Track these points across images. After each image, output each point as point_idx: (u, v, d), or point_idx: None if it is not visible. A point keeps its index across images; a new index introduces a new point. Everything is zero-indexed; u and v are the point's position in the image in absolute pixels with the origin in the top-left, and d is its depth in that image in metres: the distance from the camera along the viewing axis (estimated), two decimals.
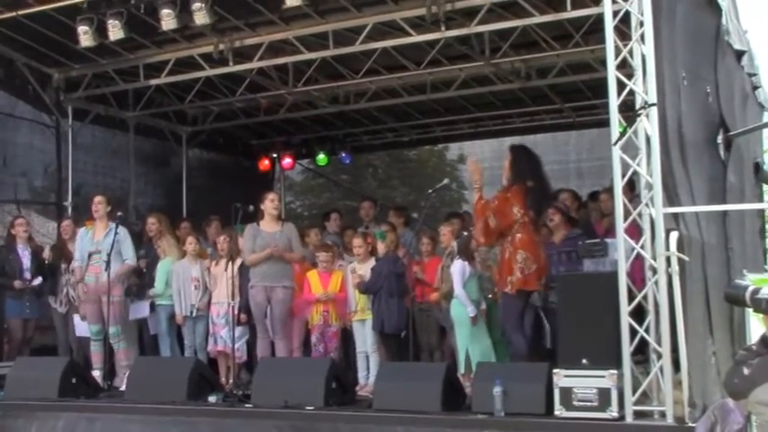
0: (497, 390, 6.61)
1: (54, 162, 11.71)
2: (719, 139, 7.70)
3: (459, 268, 8.24)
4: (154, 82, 11.39)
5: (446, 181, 9.52)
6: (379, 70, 11.44)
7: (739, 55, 8.93)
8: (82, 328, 9.55)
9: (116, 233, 9.05)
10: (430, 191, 8.77)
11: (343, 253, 9.80)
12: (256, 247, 8.73)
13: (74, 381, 8.43)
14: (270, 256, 8.66)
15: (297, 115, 13.47)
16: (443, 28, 9.47)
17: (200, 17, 8.99)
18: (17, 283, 9.73)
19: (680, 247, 6.25)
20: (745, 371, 4.37)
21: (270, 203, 8.82)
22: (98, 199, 9.42)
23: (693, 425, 5.94)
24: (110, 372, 9.36)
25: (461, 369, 8.05)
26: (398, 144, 15.66)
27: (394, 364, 8.17)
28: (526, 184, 7.67)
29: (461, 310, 8.17)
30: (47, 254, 10.08)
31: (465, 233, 8.43)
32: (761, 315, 4.62)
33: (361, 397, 8.09)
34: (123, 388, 8.52)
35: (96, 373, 9.09)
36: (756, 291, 4.49)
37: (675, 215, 6.44)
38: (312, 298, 8.90)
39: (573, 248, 7.98)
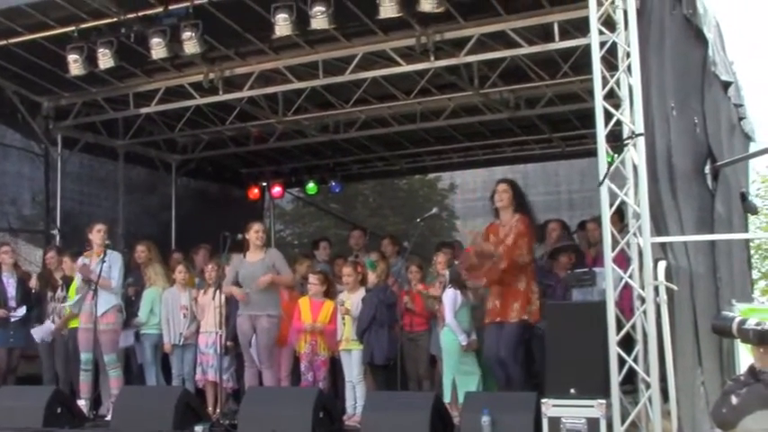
0: (485, 419, 6.57)
1: (42, 190, 11.67)
2: (707, 169, 7.74)
3: (450, 297, 8.24)
4: (144, 110, 11.40)
5: (435, 210, 9.52)
6: (368, 99, 11.48)
7: (726, 86, 9.00)
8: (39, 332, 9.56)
9: (103, 261, 9.00)
10: (418, 219, 8.77)
11: (334, 282, 9.76)
12: (240, 278, 8.70)
13: (59, 410, 8.32)
14: (241, 297, 8.63)
15: (287, 144, 13.49)
16: (432, 58, 9.52)
17: (191, 46, 9.02)
18: (1, 312, 9.67)
19: (668, 277, 6.25)
20: (734, 400, 4.36)
21: (254, 234, 8.78)
22: (99, 227, 9.35)
23: None
24: (95, 401, 9.27)
25: (447, 398, 8.01)
26: (389, 173, 15.69)
27: (382, 393, 8.13)
28: (527, 215, 7.78)
29: (451, 338, 8.16)
30: (33, 283, 10.03)
31: (456, 262, 8.42)
32: (749, 345, 4.61)
33: (348, 427, 8.04)
34: (109, 417, 8.44)
35: (82, 403, 8.99)
36: (743, 322, 4.49)
37: (664, 245, 6.45)
38: (301, 326, 8.86)
39: None
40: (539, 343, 7.80)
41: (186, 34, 8.90)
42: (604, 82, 6.68)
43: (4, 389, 8.96)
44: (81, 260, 9.27)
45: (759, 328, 4.40)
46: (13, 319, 9.70)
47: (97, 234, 9.25)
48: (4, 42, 9.55)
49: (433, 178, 16.72)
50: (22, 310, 9.76)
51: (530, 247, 7.72)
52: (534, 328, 7.84)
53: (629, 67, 6.59)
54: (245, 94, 10.75)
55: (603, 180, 6.50)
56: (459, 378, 8.13)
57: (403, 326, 8.58)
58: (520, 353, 7.63)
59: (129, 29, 9.18)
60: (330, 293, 9.10)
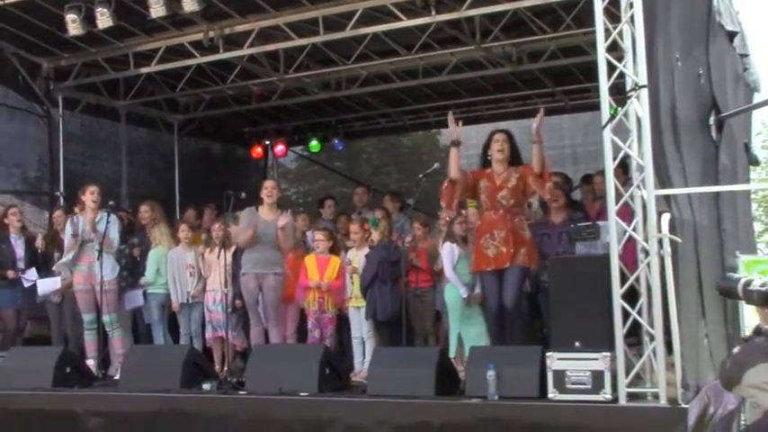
0: (491, 374, 6.60)
1: (46, 152, 11.67)
2: (711, 120, 7.69)
3: (447, 250, 8.26)
4: (144, 70, 11.36)
5: (437, 165, 9.48)
6: (370, 56, 11.41)
7: (731, 36, 8.90)
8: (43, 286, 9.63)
9: (108, 221, 9.03)
10: (421, 175, 8.75)
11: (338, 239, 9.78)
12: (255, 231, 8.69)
13: (68, 370, 8.39)
14: (256, 238, 8.62)
15: (289, 102, 13.45)
16: (433, 12, 9.46)
17: (189, 4, 8.96)
18: (10, 273, 9.72)
19: (672, 229, 6.24)
20: (736, 355, 4.37)
21: (264, 191, 8.78)
22: (92, 188, 9.37)
23: (686, 406, 5.96)
24: (104, 361, 9.36)
25: (452, 352, 8.06)
26: (391, 130, 15.65)
27: (387, 349, 8.17)
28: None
29: (453, 293, 8.20)
30: (39, 243, 10.06)
31: (448, 217, 8.43)
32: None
33: (355, 383, 8.09)
34: (117, 377, 8.52)
35: (90, 363, 9.08)
36: (748, 283, 4.47)
37: (667, 197, 6.43)
38: (308, 284, 8.88)
39: None
40: (545, 296, 7.83)
41: None
42: (607, 34, 6.60)
43: (12, 350, 9.01)
44: (77, 219, 9.24)
45: (764, 289, 4.39)
46: (26, 284, 9.73)
47: (90, 196, 9.25)
48: (1, 3, 9.47)
49: (435, 134, 16.65)
50: (33, 274, 9.78)
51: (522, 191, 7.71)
52: (541, 280, 7.84)
53: (632, 18, 6.50)
54: (246, 51, 10.70)
55: (606, 125, 6.46)
56: (465, 332, 8.16)
57: (408, 282, 8.60)
58: (523, 301, 7.65)
59: None
60: (335, 250, 9.13)
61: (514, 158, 7.78)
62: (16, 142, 11.31)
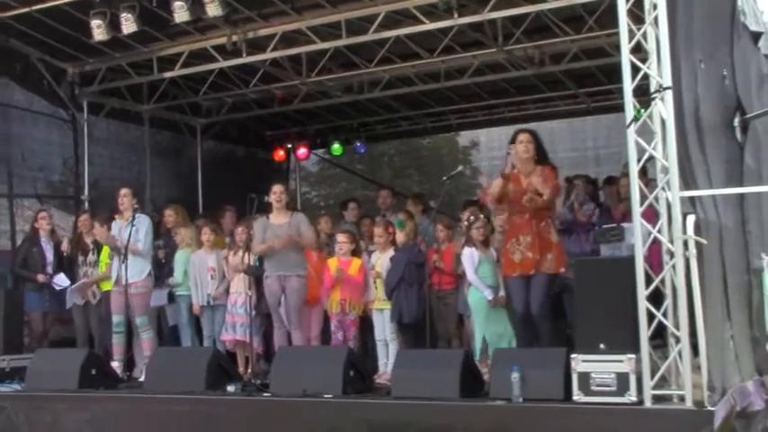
0: (515, 376, 6.59)
1: (71, 156, 11.76)
2: (736, 121, 7.64)
3: (467, 255, 8.27)
4: (168, 74, 11.45)
5: (461, 168, 9.52)
6: (392, 59, 11.43)
7: (756, 36, 8.85)
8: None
9: (132, 224, 9.11)
10: (444, 178, 8.74)
11: (361, 242, 9.80)
12: (266, 239, 8.74)
13: (93, 372, 8.46)
14: (273, 249, 8.65)
15: (311, 105, 13.49)
16: (456, 15, 9.45)
17: (213, 9, 9.01)
18: (41, 277, 9.84)
19: (697, 231, 6.21)
20: None
21: (273, 196, 8.79)
22: (124, 191, 9.48)
23: (713, 408, 5.93)
24: (128, 363, 9.42)
25: (477, 355, 8.05)
26: (413, 133, 15.67)
27: (412, 351, 8.17)
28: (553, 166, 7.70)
29: (478, 295, 8.20)
30: (65, 246, 10.15)
31: (471, 218, 8.43)
32: None
33: (379, 384, 8.10)
34: (142, 378, 8.58)
35: (115, 365, 9.15)
36: None
37: (692, 198, 6.40)
38: (330, 282, 8.91)
39: None
40: (570, 295, 7.79)
41: None
42: (631, 35, 6.58)
43: (39, 351, 9.10)
44: (114, 225, 9.36)
45: None
46: (57, 288, 9.84)
47: (124, 198, 9.36)
48: (27, 9, 9.57)
49: (454, 135, 16.67)
50: (63, 279, 9.88)
51: (555, 188, 7.67)
52: (566, 279, 7.80)
53: (655, 20, 6.48)
54: (269, 55, 10.75)
55: (631, 124, 6.43)
56: (490, 336, 8.14)
57: (432, 284, 8.60)
58: (552, 307, 7.60)
59: None
60: (357, 252, 9.15)
61: (541, 158, 7.71)
62: (41, 147, 11.40)
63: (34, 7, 9.54)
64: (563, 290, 8.28)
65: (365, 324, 9.14)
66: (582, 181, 9.96)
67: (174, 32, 10.55)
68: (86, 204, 11.51)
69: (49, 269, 9.93)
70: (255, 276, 8.94)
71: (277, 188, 8.93)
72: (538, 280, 7.46)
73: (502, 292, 8.21)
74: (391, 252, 8.86)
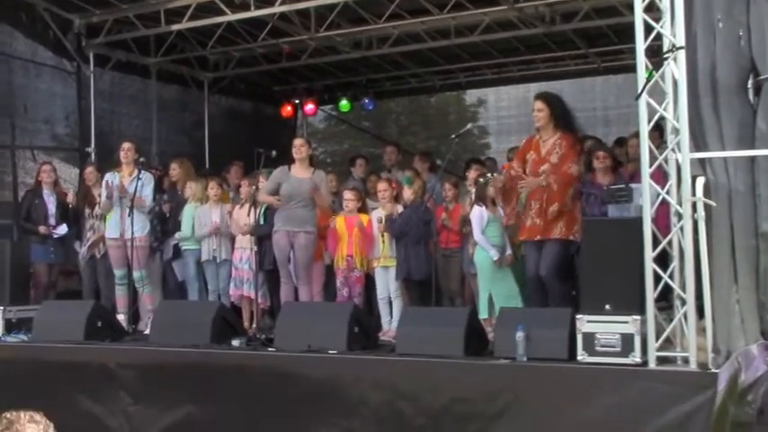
0: (520, 335, 6.59)
1: (75, 109, 11.70)
2: (750, 83, 7.54)
3: (477, 214, 8.23)
4: (175, 27, 11.35)
5: (470, 125, 9.42)
6: (402, 15, 11.32)
7: None
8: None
9: (138, 178, 9.09)
10: (453, 136, 8.67)
11: (366, 198, 9.77)
12: (282, 191, 8.70)
13: (99, 324, 8.50)
14: (278, 204, 8.66)
15: (319, 61, 13.40)
16: None
17: None
18: (42, 229, 9.84)
19: (706, 193, 6.17)
20: None
21: (294, 149, 8.78)
22: (127, 145, 9.45)
23: (717, 371, 5.93)
24: (134, 316, 9.46)
25: (483, 314, 8.06)
26: (421, 90, 15.59)
27: (416, 309, 8.18)
28: (573, 131, 7.61)
29: (484, 254, 8.17)
30: (71, 199, 10.15)
31: (481, 179, 8.38)
32: None
33: (383, 342, 8.11)
34: (147, 331, 8.61)
35: (121, 317, 9.19)
36: None
37: (702, 161, 6.35)
38: (335, 238, 8.91)
39: None
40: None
41: None
42: None
43: (45, 303, 9.14)
44: (108, 176, 9.35)
45: None
46: (55, 236, 9.86)
47: (128, 152, 9.32)
48: None
49: (461, 94, 16.57)
50: (63, 228, 9.93)
51: (575, 164, 7.57)
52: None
53: None
54: (277, 9, 10.63)
55: (641, 94, 6.37)
56: (496, 294, 8.13)
57: (438, 242, 8.60)
58: (562, 271, 7.55)
59: None
60: (364, 209, 9.13)
61: (559, 122, 7.62)
62: (45, 98, 11.34)
63: None
64: (576, 252, 8.24)
65: (370, 281, 9.14)
66: (593, 143, 9.87)
67: None
68: (93, 157, 11.48)
69: (52, 221, 9.93)
70: (263, 235, 8.93)
71: (298, 141, 8.94)
72: (548, 246, 7.48)
73: (509, 251, 8.19)
74: (396, 208, 8.82)
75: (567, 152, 7.52)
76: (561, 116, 7.64)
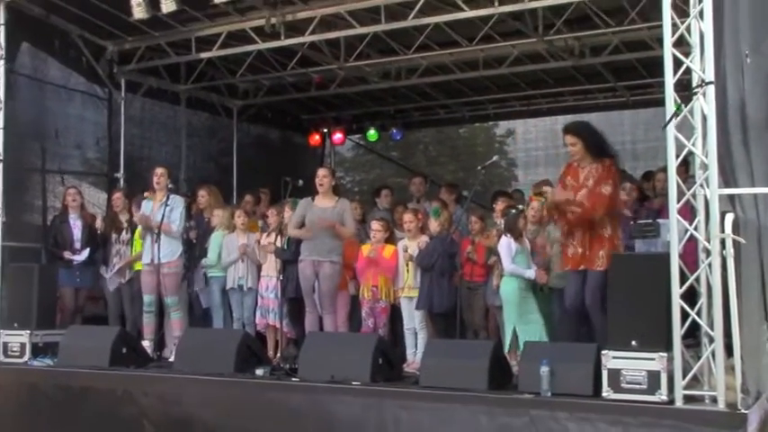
0: (544, 369, 6.55)
1: (106, 134, 11.81)
2: None
3: (505, 244, 8.18)
4: (205, 55, 11.44)
5: (496, 158, 9.42)
6: (431, 46, 11.34)
7: None
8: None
9: (166, 204, 9.15)
10: (479, 167, 8.68)
11: (394, 229, 9.76)
12: (306, 222, 8.71)
13: (124, 350, 8.56)
14: (308, 234, 8.65)
15: (348, 90, 13.44)
16: (496, 3, 9.34)
17: None
18: (66, 254, 9.91)
19: (735, 230, 6.11)
20: None
21: (316, 180, 8.79)
22: (160, 171, 9.50)
23: (746, 412, 5.84)
24: (159, 342, 9.48)
25: (507, 347, 8.00)
26: (449, 121, 15.59)
27: (441, 341, 8.15)
28: (611, 158, 7.52)
29: (511, 287, 8.10)
30: (99, 224, 10.22)
31: (513, 210, 8.35)
32: None
33: (407, 373, 8.07)
34: (172, 358, 8.62)
35: (146, 344, 9.22)
36: None
37: (732, 197, 6.30)
38: (361, 267, 8.91)
39: None
40: None
41: None
42: (674, 29, 6.49)
43: (71, 328, 9.21)
44: (144, 204, 9.40)
45: None
46: (75, 262, 9.92)
47: (161, 178, 9.38)
48: None
49: (491, 126, 16.58)
50: (85, 253, 9.97)
51: (614, 190, 7.43)
52: None
53: (700, 13, 6.38)
54: (307, 39, 10.69)
55: (668, 123, 6.34)
56: (521, 328, 8.06)
57: (463, 275, 8.57)
58: (605, 303, 7.42)
59: None
60: (391, 240, 9.12)
61: (594, 149, 7.52)
62: (76, 124, 11.44)
63: None
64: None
65: (395, 312, 9.11)
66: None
67: (213, 13, 10.53)
68: (122, 182, 11.57)
69: (77, 245, 9.98)
70: (283, 260, 8.94)
71: (320, 171, 8.94)
72: (592, 277, 7.32)
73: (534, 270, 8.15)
74: (421, 239, 8.80)
75: (601, 175, 7.42)
76: (593, 145, 7.54)
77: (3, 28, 9.57)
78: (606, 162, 7.45)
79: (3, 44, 9.55)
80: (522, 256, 8.18)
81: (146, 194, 9.53)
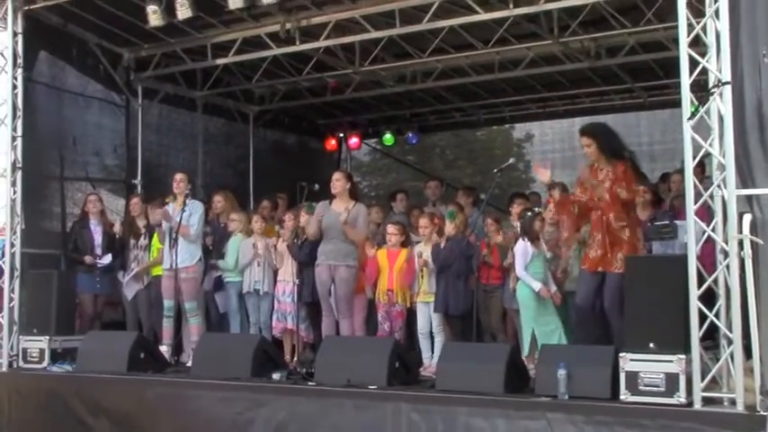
0: (562, 372, 6.52)
1: (123, 141, 11.87)
2: None
3: (521, 248, 8.15)
4: (221, 61, 11.47)
5: (512, 160, 9.41)
6: (446, 49, 11.33)
7: None
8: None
9: (183, 210, 9.18)
10: (495, 170, 8.66)
11: (410, 233, 9.76)
12: (323, 225, 8.72)
13: (142, 355, 8.60)
14: (325, 231, 8.66)
15: (363, 95, 13.45)
16: (511, 5, 9.33)
17: None
18: (87, 259, 9.96)
19: (753, 230, 6.07)
20: None
21: (331, 183, 8.81)
22: (179, 176, 9.55)
23: (765, 414, 5.79)
24: (177, 347, 9.51)
25: (525, 351, 7.97)
26: (466, 124, 15.57)
27: (457, 344, 8.13)
28: (626, 158, 7.50)
29: (527, 290, 8.07)
30: (117, 229, 10.28)
31: (529, 213, 8.32)
32: None
33: (423, 377, 8.07)
34: (190, 363, 8.65)
35: (164, 349, 9.24)
36: None
37: (749, 197, 6.24)
38: (377, 271, 8.91)
39: None
40: None
41: None
42: (690, 29, 6.45)
43: (90, 334, 9.27)
44: (168, 209, 9.46)
45: None
46: (99, 266, 9.99)
47: (180, 183, 9.43)
48: None
49: (508, 128, 16.54)
50: (108, 258, 10.05)
51: (631, 190, 7.41)
52: None
53: (716, 13, 6.34)
54: (322, 44, 10.71)
55: (691, 118, 6.29)
56: (539, 330, 8.02)
57: (479, 278, 8.55)
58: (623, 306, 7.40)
59: None
60: (406, 244, 9.11)
61: (608, 151, 7.52)
62: (94, 131, 11.50)
63: None
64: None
65: (412, 316, 9.10)
66: None
67: (228, 19, 10.57)
68: (139, 188, 11.62)
69: (98, 251, 10.05)
70: (300, 261, 8.94)
71: (335, 175, 8.96)
72: (610, 280, 7.32)
73: (554, 288, 8.10)
74: (437, 240, 8.78)
75: (616, 178, 7.42)
76: (608, 146, 7.54)
77: (21, 37, 9.64)
78: (621, 166, 7.44)
79: (20, 53, 9.61)
80: (539, 260, 8.14)
81: (167, 200, 9.56)
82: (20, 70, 9.61)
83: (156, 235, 9.77)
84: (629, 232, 7.38)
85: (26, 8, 9.71)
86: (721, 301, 6.23)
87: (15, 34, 9.60)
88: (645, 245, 7.67)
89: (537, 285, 8.02)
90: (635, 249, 7.37)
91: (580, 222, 7.83)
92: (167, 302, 9.37)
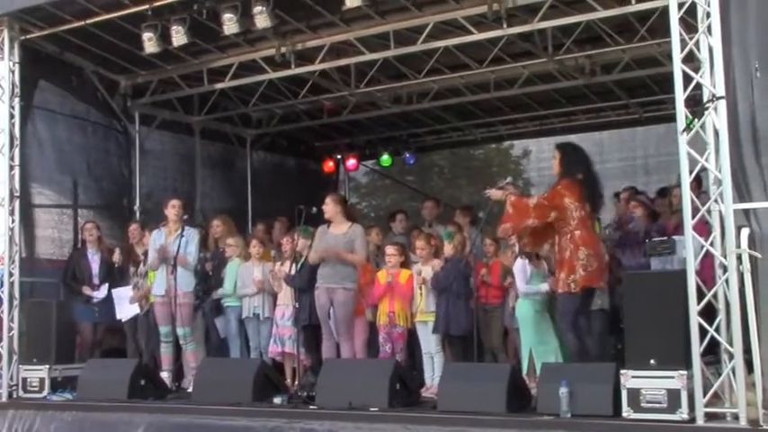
0: (563, 391, 6.50)
1: (122, 167, 11.89)
2: None
3: (520, 267, 8.16)
4: (218, 86, 11.53)
5: (509, 179, 9.34)
6: (441, 69, 11.38)
7: None
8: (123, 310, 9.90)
9: (181, 236, 9.17)
10: (485, 190, 8.66)
11: (410, 253, 9.74)
12: (320, 249, 8.72)
13: (143, 382, 8.58)
14: (326, 257, 8.65)
15: (360, 116, 13.48)
16: (505, 25, 9.37)
17: (262, 21, 9.04)
18: (85, 290, 9.98)
19: (751, 244, 6.07)
20: None
21: (324, 207, 8.81)
22: (174, 202, 9.56)
23: None
24: (177, 373, 9.48)
25: (525, 369, 7.95)
26: (463, 143, 15.60)
27: (458, 365, 8.12)
28: (576, 177, 7.42)
29: (526, 309, 8.08)
30: (117, 257, 10.26)
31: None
32: None
33: (425, 398, 8.04)
34: (190, 389, 8.62)
35: (164, 375, 9.22)
36: None
37: (746, 211, 6.25)
38: (379, 293, 8.89)
39: None
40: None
41: (257, 8, 8.92)
42: (683, 44, 6.48)
43: (90, 362, 9.25)
44: (155, 233, 9.44)
45: None
46: (94, 300, 9.98)
47: (172, 210, 9.42)
48: (82, 23, 9.72)
49: (507, 146, 16.56)
50: (104, 291, 10.04)
51: (569, 207, 7.24)
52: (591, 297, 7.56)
53: (708, 28, 6.37)
54: (318, 67, 10.76)
55: (684, 131, 6.30)
56: (537, 349, 8.03)
57: (478, 297, 8.54)
58: (570, 321, 7.28)
59: (200, 5, 9.23)
60: (406, 264, 9.10)
61: (566, 168, 7.48)
62: (98, 157, 11.55)
63: (89, 21, 9.67)
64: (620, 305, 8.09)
65: (413, 337, 9.08)
66: (629, 194, 9.79)
67: (223, 44, 10.63)
68: (138, 215, 11.63)
69: (95, 280, 10.06)
70: (297, 288, 8.93)
71: (328, 198, 8.93)
72: (558, 299, 7.41)
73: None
74: (435, 262, 8.77)
75: (551, 189, 7.43)
76: (566, 163, 7.48)
77: (18, 66, 9.68)
78: (564, 182, 7.37)
79: (17, 82, 9.65)
80: (538, 277, 8.15)
81: (160, 225, 9.55)
82: (17, 99, 9.64)
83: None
84: (569, 253, 7.23)
85: (23, 37, 9.76)
86: (721, 316, 6.22)
87: (12, 63, 9.63)
88: (600, 264, 7.51)
89: (545, 285, 8.05)
90: (573, 270, 7.17)
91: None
92: (164, 329, 9.39)
